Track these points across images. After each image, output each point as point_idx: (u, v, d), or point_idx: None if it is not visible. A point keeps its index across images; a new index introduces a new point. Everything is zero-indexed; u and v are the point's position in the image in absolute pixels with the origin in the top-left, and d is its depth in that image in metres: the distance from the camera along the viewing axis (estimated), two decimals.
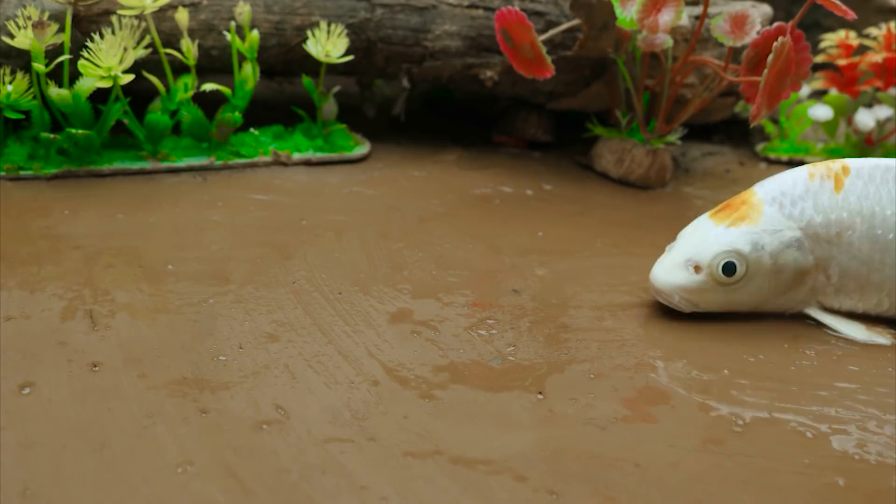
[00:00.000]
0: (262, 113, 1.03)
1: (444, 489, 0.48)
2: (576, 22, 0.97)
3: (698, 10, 1.02)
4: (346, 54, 0.96)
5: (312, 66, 0.99)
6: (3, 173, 0.90)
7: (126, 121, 0.93)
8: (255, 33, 0.94)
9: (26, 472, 0.48)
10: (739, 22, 0.89)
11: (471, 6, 1.00)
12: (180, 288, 0.70)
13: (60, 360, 0.59)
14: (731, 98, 1.13)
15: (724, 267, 0.66)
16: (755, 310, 0.69)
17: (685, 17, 0.95)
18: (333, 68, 1.00)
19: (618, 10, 0.90)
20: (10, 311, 0.65)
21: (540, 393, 0.58)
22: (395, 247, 0.80)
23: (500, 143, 1.15)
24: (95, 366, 0.59)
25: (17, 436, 0.51)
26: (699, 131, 1.23)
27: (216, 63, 0.99)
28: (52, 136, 0.89)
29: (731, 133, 1.26)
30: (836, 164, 0.68)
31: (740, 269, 0.66)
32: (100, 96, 0.90)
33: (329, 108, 1.03)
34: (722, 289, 0.67)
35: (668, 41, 0.92)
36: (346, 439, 0.52)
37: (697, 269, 0.66)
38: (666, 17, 0.88)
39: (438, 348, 0.63)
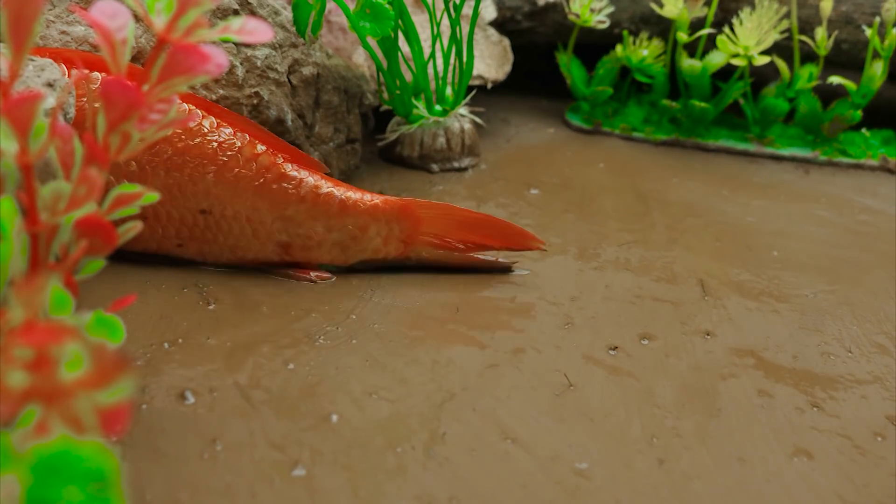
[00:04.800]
0: (870, 115, 0.99)
1: None
2: None
3: None
4: None
5: None
6: (617, 132, 0.95)
7: (741, 101, 0.94)
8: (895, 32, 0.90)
9: (650, 420, 0.50)
10: None
11: None
12: (786, 276, 0.69)
13: (674, 321, 0.61)
14: None
15: None
16: None
17: None
18: None
19: None
20: (628, 262, 0.69)
21: None
22: None
23: None
24: (707, 334, 0.60)
25: (639, 383, 0.54)
26: None
27: (842, 57, 0.97)
28: (671, 103, 0.93)
29: None
30: None
31: None
32: (718, 73, 0.92)
33: None
34: None
35: None
36: None
37: None
38: None
39: None
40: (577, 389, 0.52)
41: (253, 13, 0.66)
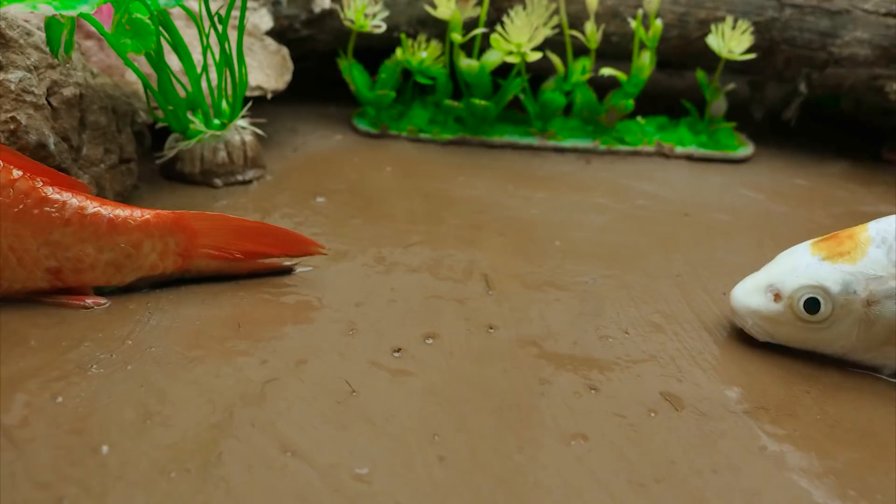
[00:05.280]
0: (645, 103, 1.03)
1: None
2: None
3: None
4: (746, 52, 0.94)
5: (707, 60, 0.98)
6: (404, 134, 0.96)
7: (522, 96, 0.96)
8: (658, 23, 0.94)
9: (434, 419, 0.51)
10: None
11: (888, 14, 0.95)
12: (567, 265, 0.72)
13: (459, 318, 0.62)
14: None
15: (806, 302, 0.58)
16: (840, 357, 0.60)
17: None
18: (726, 65, 0.98)
19: None
20: (414, 263, 0.69)
21: None
22: None
23: (889, 161, 1.09)
24: (491, 328, 0.61)
25: (423, 382, 0.54)
26: None
27: (613, 49, 1.01)
28: (454, 103, 0.94)
29: None
30: None
31: (824, 309, 0.58)
32: (498, 70, 0.94)
33: (718, 105, 1.01)
34: (801, 325, 0.59)
35: None
36: (738, 442, 0.51)
37: (777, 297, 0.59)
38: None
39: None
40: (360, 395, 0.52)
41: (2, 35, 0.63)
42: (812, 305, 0.58)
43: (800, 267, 0.60)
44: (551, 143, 0.97)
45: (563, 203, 0.84)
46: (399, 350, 0.57)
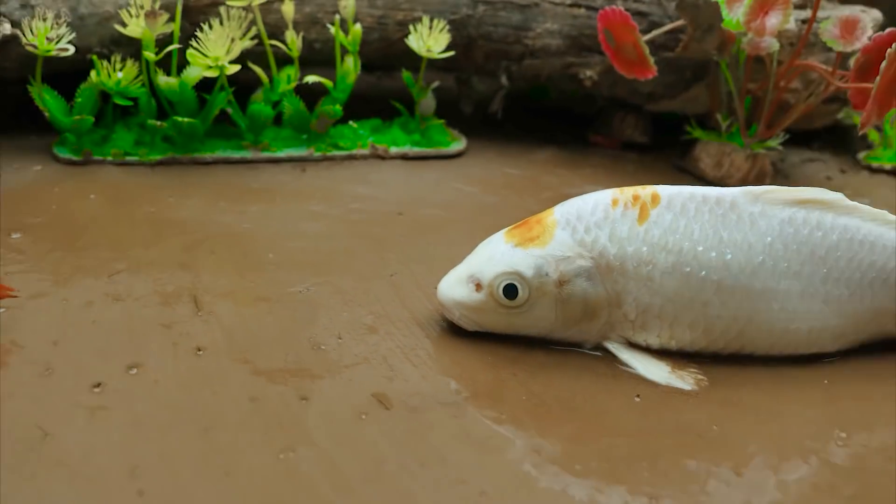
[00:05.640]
0: (360, 106, 1.04)
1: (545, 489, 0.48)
2: (680, 23, 0.96)
3: (806, 13, 1.00)
4: (446, 50, 0.97)
5: (412, 61, 1.00)
6: (110, 158, 0.92)
7: (230, 110, 0.95)
8: (357, 27, 0.94)
9: (135, 452, 0.49)
10: (850, 27, 0.87)
11: (573, 5, 1.00)
12: (281, 276, 0.71)
13: (166, 343, 0.60)
14: (835, 104, 1.10)
15: (504, 289, 0.61)
16: (544, 337, 0.63)
17: (792, 20, 0.93)
18: (432, 64, 1.00)
19: (724, 12, 0.88)
20: (119, 292, 0.66)
21: None
22: None
23: (595, 144, 1.14)
24: (200, 350, 0.60)
25: (125, 415, 0.52)
26: (799, 137, 1.21)
27: (318, 56, 1.01)
28: (158, 123, 0.91)
29: (832, 140, 1.23)
30: (647, 191, 0.62)
31: (522, 294, 0.60)
32: (204, 86, 0.92)
33: (427, 103, 1.03)
34: (504, 311, 0.61)
35: (774, 45, 0.90)
36: (447, 432, 0.52)
37: (479, 286, 0.62)
38: (773, 21, 0.86)
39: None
40: (54, 438, 0.49)
41: None
42: (510, 291, 0.60)
43: (496, 255, 0.62)
44: (265, 154, 0.96)
45: (278, 214, 0.83)
46: (99, 385, 0.55)
